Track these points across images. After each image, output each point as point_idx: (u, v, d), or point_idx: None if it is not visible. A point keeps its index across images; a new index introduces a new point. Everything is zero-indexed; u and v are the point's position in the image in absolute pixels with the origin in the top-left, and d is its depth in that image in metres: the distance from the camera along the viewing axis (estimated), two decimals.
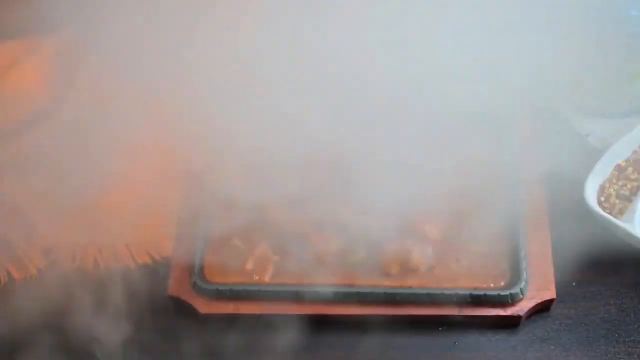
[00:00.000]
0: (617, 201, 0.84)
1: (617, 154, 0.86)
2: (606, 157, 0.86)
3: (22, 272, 0.82)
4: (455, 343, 0.78)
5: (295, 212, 0.82)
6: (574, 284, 0.81)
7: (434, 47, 0.85)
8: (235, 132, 0.84)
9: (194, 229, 0.82)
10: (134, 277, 0.80)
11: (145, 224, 0.84)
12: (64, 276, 0.80)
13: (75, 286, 0.78)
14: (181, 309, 0.79)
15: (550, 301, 0.79)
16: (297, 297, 0.78)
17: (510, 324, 0.78)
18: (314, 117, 0.84)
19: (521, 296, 0.77)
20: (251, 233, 0.82)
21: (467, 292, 0.77)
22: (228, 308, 0.78)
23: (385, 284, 0.79)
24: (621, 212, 0.83)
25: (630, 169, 0.86)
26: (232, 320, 0.78)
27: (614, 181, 0.85)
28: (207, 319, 0.78)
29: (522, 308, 0.77)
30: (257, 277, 0.80)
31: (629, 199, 0.84)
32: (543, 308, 0.79)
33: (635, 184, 0.85)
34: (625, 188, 0.85)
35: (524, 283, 0.77)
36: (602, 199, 0.84)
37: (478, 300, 0.77)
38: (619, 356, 0.77)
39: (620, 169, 0.86)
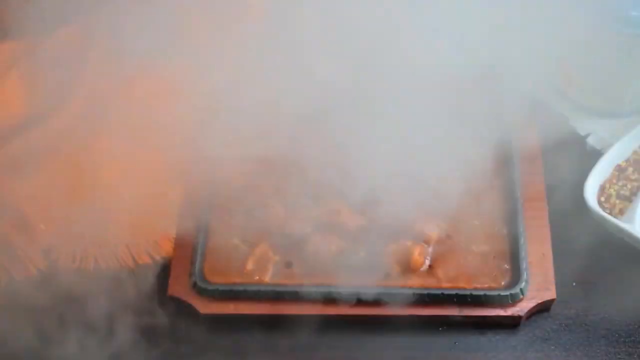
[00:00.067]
0: (617, 201, 0.84)
1: (617, 154, 0.86)
2: (606, 157, 0.86)
3: (22, 272, 0.82)
4: (455, 343, 0.78)
5: (295, 212, 0.82)
6: (574, 284, 0.81)
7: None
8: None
9: (194, 229, 0.82)
10: (134, 277, 0.80)
11: (145, 223, 0.84)
12: (64, 276, 0.80)
13: (75, 286, 0.78)
14: (181, 309, 0.79)
15: (550, 301, 0.79)
16: (297, 297, 0.78)
17: (510, 324, 0.78)
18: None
19: (521, 296, 0.77)
20: (251, 233, 0.82)
21: (467, 292, 0.77)
22: (228, 308, 0.78)
23: (385, 284, 0.79)
24: (621, 212, 0.83)
25: (630, 169, 0.86)
26: (232, 320, 0.78)
27: (614, 181, 0.85)
28: (207, 319, 0.78)
29: (522, 308, 0.77)
30: (257, 277, 0.80)
31: (629, 199, 0.84)
32: (543, 308, 0.79)
33: (635, 184, 0.85)
34: (625, 188, 0.85)
35: (524, 283, 0.77)
36: (602, 199, 0.84)
37: (478, 300, 0.77)
38: (619, 356, 0.77)
39: (620, 169, 0.86)
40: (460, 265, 0.80)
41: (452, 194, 0.83)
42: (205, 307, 0.78)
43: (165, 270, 0.81)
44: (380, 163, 0.83)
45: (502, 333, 0.79)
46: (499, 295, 0.77)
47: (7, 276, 0.82)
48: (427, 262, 0.80)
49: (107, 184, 0.85)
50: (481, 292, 0.77)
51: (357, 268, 0.80)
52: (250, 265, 0.80)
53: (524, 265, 0.78)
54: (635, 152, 0.87)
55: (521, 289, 0.77)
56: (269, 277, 0.80)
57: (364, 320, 0.78)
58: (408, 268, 0.79)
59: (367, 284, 0.79)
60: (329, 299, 0.78)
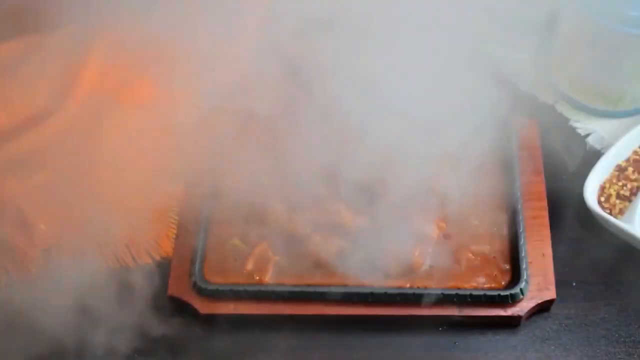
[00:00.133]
0: (617, 201, 0.84)
1: (617, 154, 0.86)
2: (606, 157, 0.86)
3: (22, 272, 0.82)
4: (455, 343, 0.78)
5: (295, 212, 0.82)
6: (574, 284, 0.81)
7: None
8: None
9: (194, 229, 0.82)
10: (134, 277, 0.80)
11: (145, 223, 0.84)
12: (64, 276, 0.80)
13: (75, 286, 0.78)
14: (181, 309, 0.79)
15: (550, 301, 0.79)
16: (297, 297, 0.78)
17: (510, 324, 0.78)
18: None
19: (521, 296, 0.77)
20: (251, 233, 0.82)
21: (467, 292, 0.77)
22: (228, 308, 0.78)
23: (385, 284, 0.79)
24: (621, 212, 0.83)
25: (630, 169, 0.86)
26: (232, 320, 0.78)
27: (614, 181, 0.85)
28: (207, 319, 0.78)
29: (522, 308, 0.77)
30: (257, 277, 0.80)
31: (629, 199, 0.84)
32: (543, 308, 0.79)
33: (635, 184, 0.85)
34: (625, 188, 0.85)
35: (524, 283, 0.77)
36: (602, 199, 0.84)
37: (478, 300, 0.77)
38: (619, 356, 0.77)
39: (620, 169, 0.86)
40: (461, 266, 0.80)
41: (452, 194, 0.83)
42: (205, 307, 0.78)
43: (165, 270, 0.81)
44: (381, 163, 0.83)
45: (502, 333, 0.79)
46: (499, 295, 0.77)
47: (7, 276, 0.82)
48: (427, 262, 0.80)
49: (107, 184, 0.85)
50: (481, 292, 0.77)
51: (357, 268, 0.80)
52: (250, 265, 0.80)
53: (524, 265, 0.78)
54: (635, 152, 0.87)
55: (521, 289, 0.77)
56: (269, 277, 0.80)
57: (364, 320, 0.78)
58: (408, 268, 0.79)
59: (367, 284, 0.79)
60: (329, 299, 0.78)
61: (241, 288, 0.79)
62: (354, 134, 0.84)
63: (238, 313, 0.78)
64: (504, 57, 0.96)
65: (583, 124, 0.92)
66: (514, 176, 0.84)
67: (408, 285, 0.79)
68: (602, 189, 0.85)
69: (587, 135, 0.91)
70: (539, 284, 0.79)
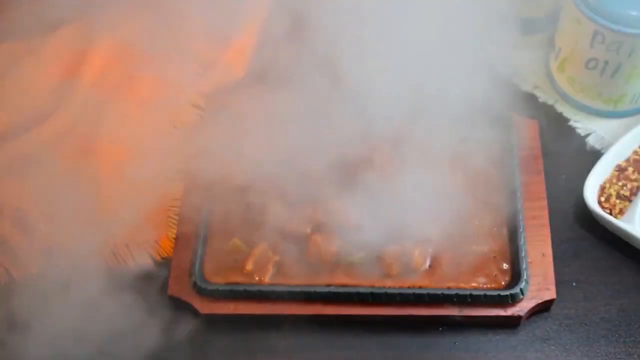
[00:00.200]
0: (617, 201, 0.84)
1: (617, 154, 0.86)
2: (606, 157, 0.86)
3: (22, 272, 0.82)
4: (455, 343, 0.78)
5: (295, 212, 0.82)
6: (574, 284, 0.81)
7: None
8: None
9: (194, 229, 0.82)
10: (134, 277, 0.80)
11: (145, 223, 0.84)
12: (64, 276, 0.80)
13: (75, 286, 0.78)
14: (181, 309, 0.79)
15: (550, 301, 0.79)
16: (297, 297, 0.78)
17: (510, 324, 0.78)
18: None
19: (521, 296, 0.77)
20: (251, 233, 0.82)
21: (467, 292, 0.77)
22: (228, 308, 0.78)
23: (385, 284, 0.79)
24: (621, 212, 0.83)
25: (630, 169, 0.86)
26: (232, 320, 0.78)
27: (614, 181, 0.85)
28: (207, 319, 0.78)
29: (522, 308, 0.77)
30: (257, 277, 0.80)
31: (629, 199, 0.84)
32: (543, 308, 0.79)
33: (635, 184, 0.85)
34: (625, 188, 0.85)
35: (524, 283, 0.77)
36: (602, 199, 0.84)
37: (478, 300, 0.77)
38: (619, 356, 0.77)
39: (620, 169, 0.86)
40: (460, 266, 0.80)
41: (452, 194, 0.83)
42: (205, 307, 0.78)
43: (165, 270, 0.81)
44: (381, 163, 0.83)
45: (502, 333, 0.79)
46: (499, 295, 0.77)
47: (7, 276, 0.82)
48: (427, 262, 0.80)
49: (107, 184, 0.85)
50: (481, 292, 0.77)
51: (357, 268, 0.80)
52: (250, 265, 0.80)
53: (524, 265, 0.78)
54: (635, 152, 0.87)
55: (521, 289, 0.77)
56: (269, 277, 0.80)
57: (364, 320, 0.78)
58: (408, 268, 0.79)
59: (366, 284, 0.79)
60: (329, 299, 0.78)
61: (241, 288, 0.79)
62: (354, 133, 0.84)
63: (238, 313, 0.78)
64: (504, 57, 0.96)
65: (583, 124, 0.92)
66: (514, 176, 0.84)
67: (408, 285, 0.79)
68: (602, 189, 0.85)
69: (587, 135, 0.91)
70: (539, 284, 0.79)
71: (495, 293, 0.77)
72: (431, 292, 0.77)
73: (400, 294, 0.77)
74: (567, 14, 0.87)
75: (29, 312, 0.77)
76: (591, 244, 0.83)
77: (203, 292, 0.79)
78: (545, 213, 0.83)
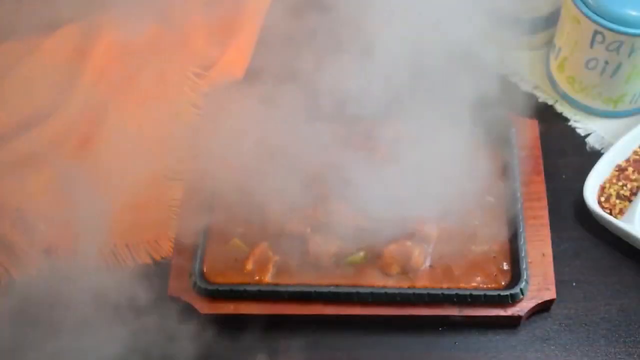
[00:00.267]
0: (617, 201, 0.84)
1: (617, 154, 0.86)
2: (606, 157, 0.86)
3: (22, 272, 0.82)
4: (455, 343, 0.78)
5: (295, 212, 0.81)
6: (574, 284, 0.81)
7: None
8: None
9: (194, 229, 0.82)
10: (134, 277, 0.80)
11: (145, 223, 0.84)
12: (64, 276, 0.80)
13: (75, 286, 0.78)
14: (181, 309, 0.79)
15: (550, 301, 0.79)
16: (297, 297, 0.78)
17: (510, 324, 0.78)
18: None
19: (521, 296, 0.77)
20: (251, 233, 0.82)
21: (467, 292, 0.77)
22: (228, 308, 0.78)
23: (385, 284, 0.79)
24: (621, 212, 0.83)
25: (630, 169, 0.86)
26: (232, 320, 0.78)
27: (614, 181, 0.85)
28: (207, 319, 0.78)
29: (522, 308, 0.77)
30: (257, 277, 0.80)
31: (629, 199, 0.84)
32: (543, 308, 0.79)
33: (635, 184, 0.85)
34: (625, 188, 0.85)
35: (524, 283, 0.77)
36: (602, 199, 0.84)
37: (478, 300, 0.77)
38: (619, 356, 0.77)
39: (620, 169, 0.86)
40: (460, 266, 0.80)
41: (452, 194, 0.83)
42: (205, 307, 0.78)
43: (165, 270, 0.81)
44: (381, 162, 0.83)
45: (502, 333, 0.79)
46: (499, 295, 0.77)
47: (7, 276, 0.82)
48: (427, 262, 0.80)
49: (107, 184, 0.85)
50: (481, 292, 0.77)
51: (357, 268, 0.80)
52: (250, 265, 0.80)
53: (524, 265, 0.78)
54: (635, 152, 0.87)
55: (521, 289, 0.77)
56: (269, 277, 0.80)
57: (364, 320, 0.78)
58: (408, 268, 0.79)
59: (366, 284, 0.79)
60: (329, 299, 0.78)
61: (241, 288, 0.79)
62: (353, 132, 0.85)
63: (238, 313, 0.78)
64: (504, 57, 0.96)
65: (583, 124, 0.92)
66: (514, 176, 0.84)
67: (408, 285, 0.79)
68: (602, 189, 0.85)
69: (587, 135, 0.91)
70: (539, 284, 0.79)
71: (495, 293, 0.77)
72: (431, 292, 0.77)
73: (400, 294, 0.77)
74: (567, 14, 0.87)
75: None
76: (591, 244, 0.83)
77: (203, 292, 0.79)
78: (545, 213, 0.83)
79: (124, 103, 0.91)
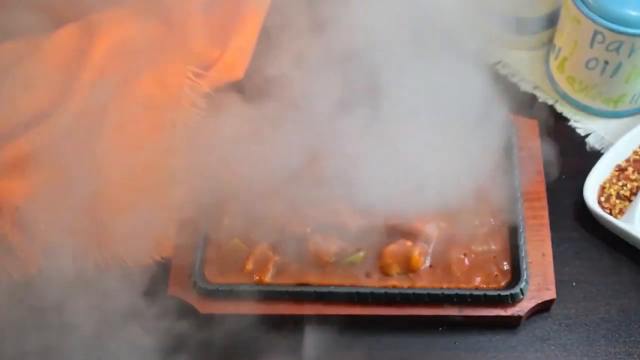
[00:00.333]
0: (617, 201, 0.84)
1: (617, 154, 0.86)
2: (606, 157, 0.86)
3: (22, 272, 0.82)
4: (455, 343, 0.78)
5: (295, 212, 0.81)
6: (574, 284, 0.81)
7: None
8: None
9: (194, 229, 0.82)
10: (134, 277, 0.80)
11: (145, 224, 0.84)
12: (64, 276, 0.80)
13: (75, 286, 0.78)
14: (181, 309, 0.79)
15: (550, 301, 0.79)
16: (297, 297, 0.78)
17: (510, 324, 0.78)
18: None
19: (521, 296, 0.77)
20: (251, 233, 0.82)
21: (467, 292, 0.77)
22: (228, 308, 0.78)
23: (385, 284, 0.79)
24: (621, 212, 0.83)
25: (630, 169, 0.86)
26: (232, 320, 0.78)
27: (614, 181, 0.85)
28: (207, 319, 0.78)
29: (522, 308, 0.77)
30: (257, 277, 0.80)
31: (629, 199, 0.84)
32: (543, 308, 0.79)
33: (635, 184, 0.85)
34: (625, 188, 0.85)
35: (524, 283, 0.77)
36: (602, 199, 0.84)
37: (478, 300, 0.77)
38: (619, 356, 0.77)
39: (620, 169, 0.86)
40: (460, 266, 0.80)
41: (453, 193, 0.83)
42: (205, 307, 0.78)
43: (165, 270, 0.81)
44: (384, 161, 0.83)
45: (502, 333, 0.79)
46: (499, 295, 0.77)
47: (7, 276, 0.82)
48: (427, 262, 0.80)
49: (107, 184, 0.85)
50: (481, 292, 0.77)
51: (357, 268, 0.80)
52: (250, 265, 0.80)
53: (524, 265, 0.78)
54: (635, 152, 0.87)
55: (521, 289, 0.77)
56: (269, 277, 0.80)
57: (364, 320, 0.78)
58: (408, 268, 0.79)
59: (367, 284, 0.79)
60: (329, 299, 0.78)
61: (241, 288, 0.79)
62: (352, 131, 0.85)
63: (238, 313, 0.78)
64: (504, 57, 0.96)
65: (583, 124, 0.92)
66: (514, 176, 0.84)
67: (408, 285, 0.79)
68: (602, 189, 0.85)
69: (587, 135, 0.91)
70: (539, 284, 0.79)
71: (495, 293, 0.77)
72: (431, 292, 0.77)
73: (400, 294, 0.77)
74: (567, 14, 0.87)
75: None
76: (591, 244, 0.83)
77: (203, 292, 0.79)
78: (545, 213, 0.83)
79: (124, 103, 0.91)
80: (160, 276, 0.81)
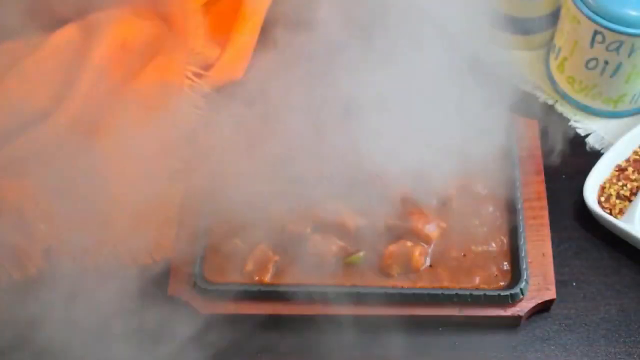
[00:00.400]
0: (617, 201, 0.84)
1: (617, 154, 0.87)
2: (606, 157, 0.86)
3: (22, 272, 0.82)
4: (455, 343, 0.78)
5: (295, 212, 0.81)
6: (574, 284, 0.81)
7: None
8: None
9: (194, 229, 0.82)
10: (134, 277, 0.80)
11: (145, 223, 0.84)
12: (64, 276, 0.80)
13: (75, 286, 0.78)
14: (181, 309, 0.79)
15: (550, 301, 0.79)
16: (297, 297, 0.78)
17: (510, 324, 0.78)
18: None
19: (521, 296, 0.77)
20: (251, 233, 0.82)
21: (467, 292, 0.77)
22: (228, 308, 0.78)
23: (385, 284, 0.79)
24: (621, 212, 0.83)
25: (630, 169, 0.86)
26: (232, 320, 0.78)
27: (614, 181, 0.85)
28: (207, 319, 0.78)
29: (522, 308, 0.77)
30: (257, 277, 0.80)
31: (629, 199, 0.84)
32: (543, 308, 0.79)
33: (635, 184, 0.85)
34: (625, 188, 0.85)
35: (524, 283, 0.77)
36: (602, 199, 0.84)
37: (478, 300, 0.77)
38: (619, 356, 0.77)
39: (620, 169, 0.86)
40: (460, 266, 0.80)
41: (452, 194, 0.83)
42: (205, 307, 0.78)
43: (165, 270, 0.81)
44: (380, 162, 0.83)
45: (502, 333, 0.79)
46: (499, 295, 0.77)
47: (7, 276, 0.82)
48: (427, 262, 0.80)
49: (107, 184, 0.85)
50: (481, 292, 0.77)
51: (357, 268, 0.80)
52: (250, 265, 0.80)
53: (524, 265, 0.78)
54: (635, 152, 0.87)
55: (521, 289, 0.77)
56: (269, 277, 0.80)
57: (364, 320, 0.78)
58: (408, 268, 0.79)
59: (367, 284, 0.79)
60: (329, 299, 0.78)
61: (241, 288, 0.79)
62: (352, 130, 0.85)
63: (238, 313, 0.78)
64: (504, 57, 0.96)
65: (583, 124, 0.92)
66: (514, 176, 0.84)
67: (408, 285, 0.79)
68: (602, 189, 0.85)
69: (587, 135, 0.91)
70: (539, 284, 0.79)
71: (495, 293, 0.77)
72: (431, 292, 0.77)
73: (400, 294, 0.77)
74: (567, 14, 0.87)
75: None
76: (591, 244, 0.83)
77: (203, 292, 0.79)
78: (545, 213, 0.83)
79: (124, 103, 0.91)
80: (160, 276, 0.81)
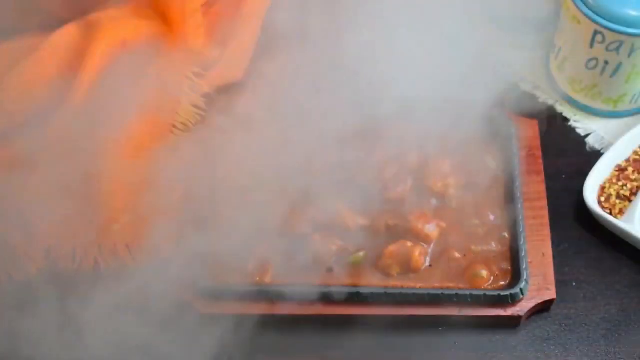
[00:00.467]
0: (617, 201, 0.84)
1: (617, 154, 0.87)
2: (606, 157, 0.86)
3: (22, 272, 0.82)
4: (455, 343, 0.78)
5: (295, 212, 0.81)
6: (574, 284, 0.81)
7: None
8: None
9: (193, 229, 0.82)
10: (134, 277, 0.80)
11: (145, 223, 0.84)
12: (64, 276, 0.80)
13: (75, 286, 0.78)
14: (181, 309, 0.79)
15: (550, 301, 0.79)
16: (297, 297, 0.78)
17: (510, 324, 0.78)
18: None
19: (521, 296, 0.77)
20: (251, 233, 0.82)
21: (467, 292, 0.77)
22: (228, 308, 0.78)
23: (385, 284, 0.79)
24: (621, 212, 0.83)
25: (630, 169, 0.86)
26: (232, 320, 0.78)
27: (614, 181, 0.85)
28: (207, 319, 0.78)
29: (522, 308, 0.77)
30: (257, 277, 0.80)
31: (629, 199, 0.84)
32: (543, 308, 0.79)
33: (635, 184, 0.85)
34: (625, 188, 0.85)
35: (524, 283, 0.77)
36: (602, 199, 0.84)
37: (478, 300, 0.77)
38: (619, 356, 0.77)
39: (620, 169, 0.86)
40: (460, 265, 0.80)
41: (452, 194, 0.83)
42: (205, 307, 0.78)
43: (165, 270, 0.81)
44: (380, 163, 0.83)
45: (502, 333, 0.79)
46: (499, 295, 0.77)
47: (7, 276, 0.82)
48: (427, 262, 0.80)
49: (106, 184, 0.85)
50: (481, 292, 0.77)
51: (357, 268, 0.80)
52: (250, 266, 0.80)
53: (524, 265, 0.78)
54: (635, 152, 0.87)
55: (521, 289, 0.77)
56: (269, 277, 0.80)
57: (364, 320, 0.78)
58: (408, 268, 0.79)
59: (367, 284, 0.79)
60: (329, 299, 0.78)
61: (241, 288, 0.79)
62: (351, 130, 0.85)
63: (238, 313, 0.78)
64: (504, 57, 0.96)
65: (583, 124, 0.92)
66: (514, 176, 0.84)
67: (408, 285, 0.79)
68: (602, 189, 0.85)
69: (587, 135, 0.91)
70: (539, 284, 0.79)
71: (495, 293, 0.77)
72: (431, 292, 0.77)
73: (400, 294, 0.77)
74: (567, 14, 0.87)
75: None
76: (591, 244, 0.83)
77: (203, 292, 0.79)
78: (545, 213, 0.83)
79: (124, 103, 0.91)
80: (160, 276, 0.81)
